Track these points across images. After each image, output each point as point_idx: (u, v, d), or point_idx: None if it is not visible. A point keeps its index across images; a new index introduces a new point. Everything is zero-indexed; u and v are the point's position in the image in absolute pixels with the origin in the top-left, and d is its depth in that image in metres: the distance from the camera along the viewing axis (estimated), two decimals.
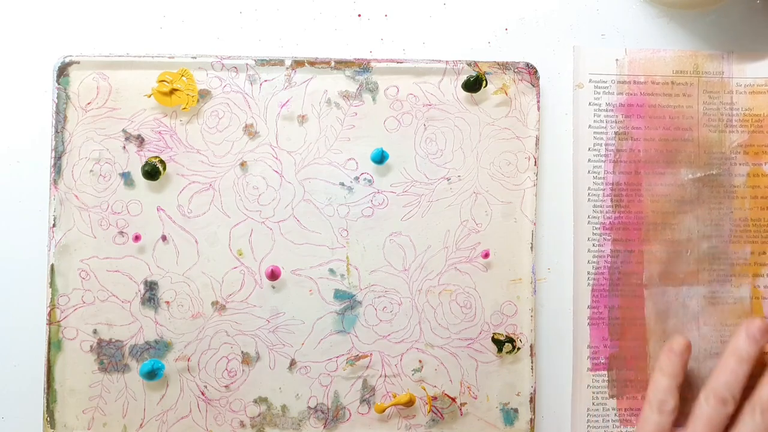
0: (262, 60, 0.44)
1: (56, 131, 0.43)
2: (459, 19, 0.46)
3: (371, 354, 0.44)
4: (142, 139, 0.43)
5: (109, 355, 0.43)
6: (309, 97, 0.44)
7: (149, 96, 0.43)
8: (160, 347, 0.43)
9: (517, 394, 0.44)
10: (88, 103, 0.43)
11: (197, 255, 0.43)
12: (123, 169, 0.43)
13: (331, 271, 0.44)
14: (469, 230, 0.44)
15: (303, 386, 0.43)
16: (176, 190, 0.43)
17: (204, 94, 0.44)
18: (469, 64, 0.44)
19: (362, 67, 0.44)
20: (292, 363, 0.43)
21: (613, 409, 0.44)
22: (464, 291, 0.44)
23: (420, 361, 0.44)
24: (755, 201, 0.45)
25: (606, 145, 0.45)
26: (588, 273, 0.45)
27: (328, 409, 0.43)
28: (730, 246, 0.45)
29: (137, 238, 0.43)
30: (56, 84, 0.43)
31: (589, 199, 0.45)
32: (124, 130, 0.43)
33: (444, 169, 0.44)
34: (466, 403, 0.44)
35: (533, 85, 0.44)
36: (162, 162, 0.43)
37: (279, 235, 0.43)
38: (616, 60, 0.45)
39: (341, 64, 0.44)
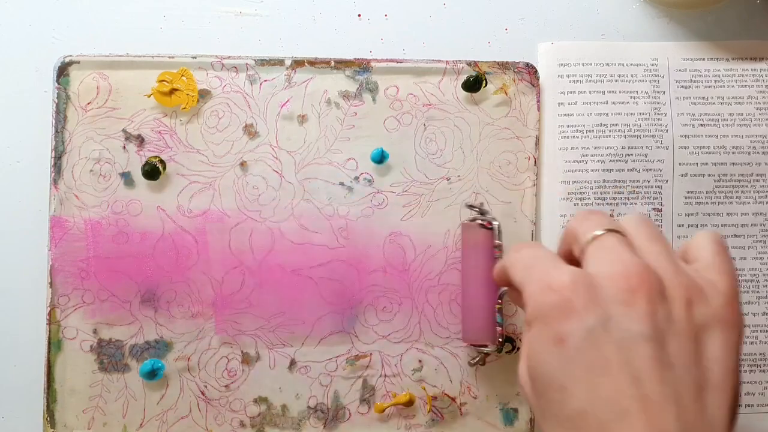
0: (262, 60, 0.44)
1: (56, 131, 0.43)
2: (459, 19, 0.46)
3: (371, 354, 0.44)
4: (142, 139, 0.43)
5: (109, 355, 0.43)
6: (309, 97, 0.44)
7: (149, 96, 0.43)
8: (160, 347, 0.43)
9: (517, 394, 0.44)
10: (88, 103, 0.43)
11: (197, 255, 0.43)
12: (123, 169, 0.43)
13: (331, 270, 0.44)
14: None
15: (303, 386, 0.43)
16: (176, 189, 0.43)
17: (204, 94, 0.44)
18: (469, 64, 0.44)
19: (362, 67, 0.44)
20: (292, 363, 0.43)
21: None
22: None
23: (420, 361, 0.44)
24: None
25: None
26: None
27: (328, 408, 0.43)
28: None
29: (137, 238, 0.43)
30: (56, 84, 0.43)
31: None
32: (124, 130, 0.43)
33: (444, 169, 0.44)
34: (466, 403, 0.44)
35: (533, 85, 0.44)
36: (162, 162, 0.43)
37: (279, 235, 0.43)
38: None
39: (341, 64, 0.44)
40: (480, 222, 0.41)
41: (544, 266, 0.28)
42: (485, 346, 0.41)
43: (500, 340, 0.41)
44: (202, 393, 0.43)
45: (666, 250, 0.28)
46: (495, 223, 0.41)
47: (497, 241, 0.40)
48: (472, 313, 0.41)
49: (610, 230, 0.28)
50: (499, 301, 0.40)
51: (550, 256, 0.29)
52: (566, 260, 0.29)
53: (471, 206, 0.42)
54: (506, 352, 0.43)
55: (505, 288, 0.34)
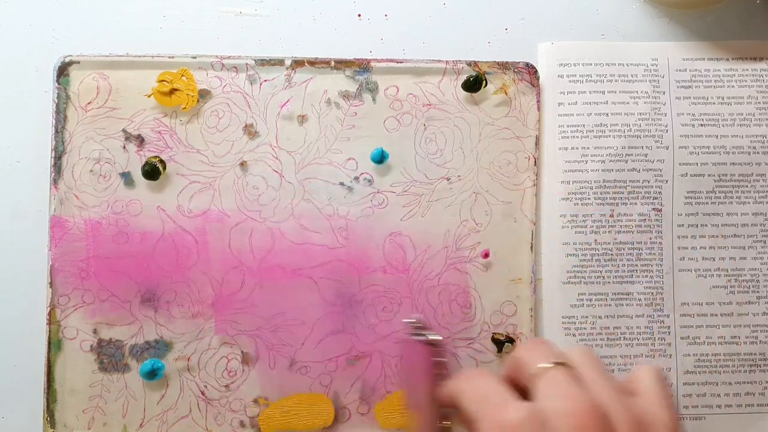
0: (262, 60, 0.44)
1: (56, 131, 0.43)
2: (459, 19, 0.46)
3: (371, 354, 0.44)
4: (142, 139, 0.43)
5: (109, 355, 0.43)
6: (309, 97, 0.44)
7: (149, 96, 0.43)
8: (160, 347, 0.43)
9: None
10: (88, 103, 0.43)
11: (197, 255, 0.43)
12: (123, 169, 0.43)
13: (331, 270, 0.44)
14: (469, 230, 0.44)
15: (303, 386, 0.43)
16: (176, 189, 0.43)
17: (204, 94, 0.44)
18: (469, 64, 0.44)
19: (362, 67, 0.44)
20: (292, 363, 0.43)
21: None
22: (464, 291, 0.44)
23: None
24: None
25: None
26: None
27: None
28: None
29: (137, 238, 0.43)
30: (56, 84, 0.43)
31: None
32: (124, 130, 0.43)
33: (444, 169, 0.44)
34: None
35: (533, 85, 0.44)
36: (162, 162, 0.43)
37: (279, 235, 0.44)
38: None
39: (341, 64, 0.44)
40: (420, 338, 0.37)
41: (497, 402, 0.29)
42: None
43: None
44: (202, 393, 0.43)
45: (612, 384, 0.29)
46: (438, 338, 0.36)
47: (440, 359, 0.36)
48: None
49: (558, 363, 0.29)
50: (445, 422, 0.36)
51: (501, 390, 0.30)
52: (512, 386, 0.30)
53: (410, 322, 0.37)
54: (507, 353, 0.43)
55: (450, 409, 0.33)
